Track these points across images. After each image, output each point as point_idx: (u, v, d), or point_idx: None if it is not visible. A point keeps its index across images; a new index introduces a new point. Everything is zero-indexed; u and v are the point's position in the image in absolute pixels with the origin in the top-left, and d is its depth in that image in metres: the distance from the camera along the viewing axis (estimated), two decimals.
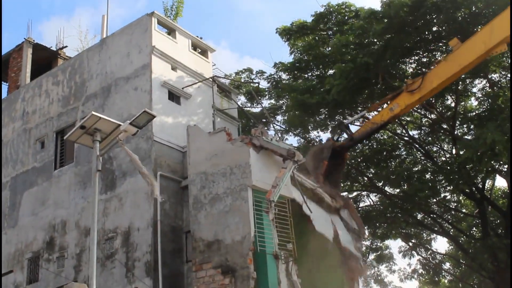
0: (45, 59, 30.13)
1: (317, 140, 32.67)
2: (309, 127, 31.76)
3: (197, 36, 26.17)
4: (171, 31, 25.13)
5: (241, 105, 30.36)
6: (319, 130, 32.10)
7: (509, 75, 28.48)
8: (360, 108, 30.63)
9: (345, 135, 24.63)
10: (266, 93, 34.10)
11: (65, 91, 25.91)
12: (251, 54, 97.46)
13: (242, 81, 33.97)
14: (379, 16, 26.80)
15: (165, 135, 22.38)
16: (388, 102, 23.22)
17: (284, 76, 32.21)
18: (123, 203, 21.82)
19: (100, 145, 13.22)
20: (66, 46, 30.85)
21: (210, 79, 25.57)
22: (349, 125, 24.52)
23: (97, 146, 13.11)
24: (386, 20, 26.13)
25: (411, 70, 28.19)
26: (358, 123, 28.31)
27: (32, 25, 74.49)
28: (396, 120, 31.39)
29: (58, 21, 77.11)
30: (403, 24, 25.74)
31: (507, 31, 20.15)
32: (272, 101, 34.22)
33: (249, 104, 34.17)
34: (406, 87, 22.37)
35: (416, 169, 30.84)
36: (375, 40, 27.03)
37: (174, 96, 23.75)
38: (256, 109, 33.86)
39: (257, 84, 32.73)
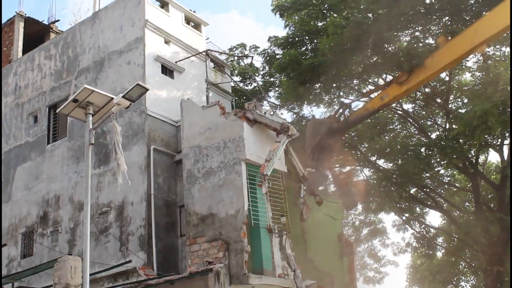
0: (37, 33, 29.90)
1: (310, 116, 32.56)
2: (304, 101, 31.54)
3: (191, 10, 26.00)
4: (164, 5, 24.94)
5: (235, 85, 30.23)
6: (313, 104, 31.97)
7: (503, 48, 28.42)
8: (355, 82, 30.61)
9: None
10: (260, 69, 33.88)
11: (58, 65, 25.76)
12: (276, 23, 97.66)
13: (236, 56, 33.70)
14: None
15: (158, 109, 22.33)
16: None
17: (278, 51, 31.98)
18: (117, 177, 21.76)
19: (93, 118, 13.18)
20: (58, 20, 30.68)
21: (204, 53, 25.45)
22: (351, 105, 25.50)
23: (90, 119, 13.07)
24: None
25: (405, 43, 28.04)
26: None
27: None
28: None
29: None
30: None
31: (488, 33, 21.47)
32: (266, 77, 34.01)
33: (242, 83, 33.90)
34: (396, 79, 23.79)
35: (411, 143, 30.83)
36: (367, 8, 26.94)
37: (167, 70, 23.65)
38: (250, 87, 33.62)
39: (251, 58, 32.55)
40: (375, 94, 25.25)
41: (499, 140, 28.28)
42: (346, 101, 27.26)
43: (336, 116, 24.63)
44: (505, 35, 24.13)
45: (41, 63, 26.49)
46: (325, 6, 29.28)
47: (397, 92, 23.63)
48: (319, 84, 29.14)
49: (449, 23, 27.02)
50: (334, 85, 29.55)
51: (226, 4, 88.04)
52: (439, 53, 22.88)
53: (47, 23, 30.23)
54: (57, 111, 21.27)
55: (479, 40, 21.62)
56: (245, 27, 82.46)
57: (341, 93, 31.56)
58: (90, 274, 13.38)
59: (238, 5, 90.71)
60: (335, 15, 28.09)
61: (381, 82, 30.81)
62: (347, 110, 24.85)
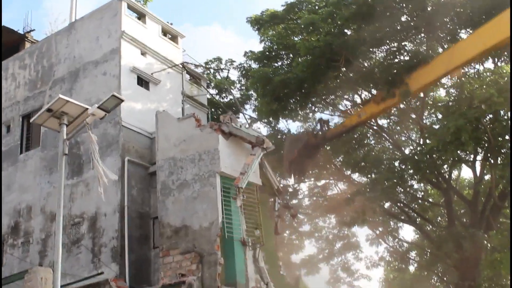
0: (13, 42, 29.61)
1: (286, 130, 32.66)
2: (279, 116, 31.55)
3: (168, 22, 25.99)
4: (141, 16, 24.90)
5: (211, 97, 30.23)
6: (288, 119, 32.04)
7: (477, 66, 28.73)
8: (330, 97, 30.74)
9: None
10: (237, 82, 33.89)
11: (32, 74, 25.56)
12: (257, 37, 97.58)
13: (212, 70, 33.65)
14: (347, 3, 26.97)
15: (133, 120, 22.22)
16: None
17: (254, 65, 32.04)
18: (90, 189, 21.63)
19: (67, 129, 13.08)
20: (33, 30, 30.42)
21: (180, 65, 25.43)
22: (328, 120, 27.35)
23: (64, 129, 12.98)
24: (354, 7, 26.27)
25: (381, 59, 28.24)
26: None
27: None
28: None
29: None
30: (372, 11, 25.84)
31: (464, 58, 22.68)
32: (243, 88, 34.01)
33: (219, 96, 33.87)
34: (374, 98, 25.08)
35: (385, 157, 31.04)
36: (343, 24, 27.17)
37: (143, 82, 23.57)
38: (226, 100, 33.59)
39: (227, 72, 32.60)
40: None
41: (472, 156, 28.54)
42: (325, 116, 28.05)
43: (314, 131, 25.37)
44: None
45: (15, 72, 26.26)
46: (299, 21, 29.44)
47: (374, 110, 24.78)
48: (293, 99, 29.22)
49: (424, 40, 27.34)
50: (310, 100, 29.70)
51: (208, 17, 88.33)
52: (415, 75, 23.85)
53: (22, 33, 29.98)
54: (31, 120, 21.04)
55: (454, 64, 22.58)
56: (226, 41, 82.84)
57: (316, 109, 31.73)
58: (61, 286, 13.22)
59: (220, 18, 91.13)
60: (317, 31, 28.12)
61: (357, 98, 31.04)
62: (325, 125, 26.11)
